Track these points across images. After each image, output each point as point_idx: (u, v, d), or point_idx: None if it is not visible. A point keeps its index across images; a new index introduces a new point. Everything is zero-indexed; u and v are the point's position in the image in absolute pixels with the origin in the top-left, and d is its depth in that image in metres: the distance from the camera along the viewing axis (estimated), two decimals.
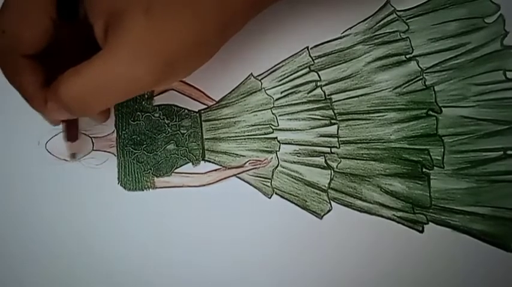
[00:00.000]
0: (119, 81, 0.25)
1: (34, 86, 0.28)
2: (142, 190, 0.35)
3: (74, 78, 0.25)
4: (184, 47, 0.25)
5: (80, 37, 0.28)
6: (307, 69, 0.36)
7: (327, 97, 0.36)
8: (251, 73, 0.36)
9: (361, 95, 0.35)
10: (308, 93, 0.36)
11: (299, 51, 0.36)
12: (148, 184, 0.35)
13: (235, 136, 0.35)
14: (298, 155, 0.35)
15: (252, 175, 0.35)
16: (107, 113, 0.31)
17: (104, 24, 0.25)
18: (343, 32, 0.36)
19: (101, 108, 0.27)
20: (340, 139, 0.35)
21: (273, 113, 0.35)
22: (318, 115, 0.35)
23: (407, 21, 0.36)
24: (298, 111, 0.35)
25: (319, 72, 0.36)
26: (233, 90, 0.36)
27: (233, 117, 0.35)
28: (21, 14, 0.27)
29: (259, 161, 0.35)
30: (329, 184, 0.34)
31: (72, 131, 0.32)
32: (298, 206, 0.34)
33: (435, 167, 0.34)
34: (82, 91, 0.25)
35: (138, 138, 0.35)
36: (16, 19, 0.27)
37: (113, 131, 0.35)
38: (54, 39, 0.27)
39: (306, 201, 0.34)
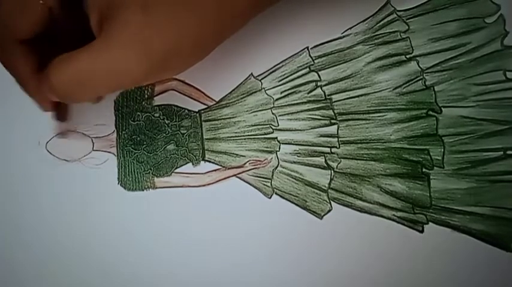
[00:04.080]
0: (109, 71, 0.25)
1: (27, 70, 0.28)
2: (143, 190, 0.35)
3: (65, 64, 0.25)
4: (179, 44, 0.25)
5: (79, 26, 0.28)
6: (307, 69, 0.36)
7: (327, 97, 0.36)
8: (251, 73, 0.36)
9: (361, 95, 0.35)
10: (308, 93, 0.36)
11: (299, 51, 0.36)
12: (149, 184, 0.35)
13: (235, 136, 0.35)
14: (298, 155, 0.35)
15: (252, 175, 0.35)
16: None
17: (99, 16, 0.25)
18: (344, 32, 0.36)
19: (87, 97, 0.27)
20: (340, 139, 0.35)
21: (273, 113, 0.35)
22: (318, 115, 0.35)
23: (408, 21, 0.36)
24: (298, 112, 0.35)
25: (319, 73, 0.36)
26: (233, 90, 0.36)
27: (233, 118, 0.35)
28: (17, 0, 0.27)
29: (259, 161, 0.35)
30: (329, 184, 0.34)
31: (62, 112, 0.32)
32: (298, 206, 0.34)
33: (435, 167, 0.34)
34: (71, 78, 0.25)
35: (138, 139, 0.35)
36: (11, 4, 0.27)
37: (113, 131, 0.35)
38: (53, 26, 0.27)
39: (306, 201, 0.34)
